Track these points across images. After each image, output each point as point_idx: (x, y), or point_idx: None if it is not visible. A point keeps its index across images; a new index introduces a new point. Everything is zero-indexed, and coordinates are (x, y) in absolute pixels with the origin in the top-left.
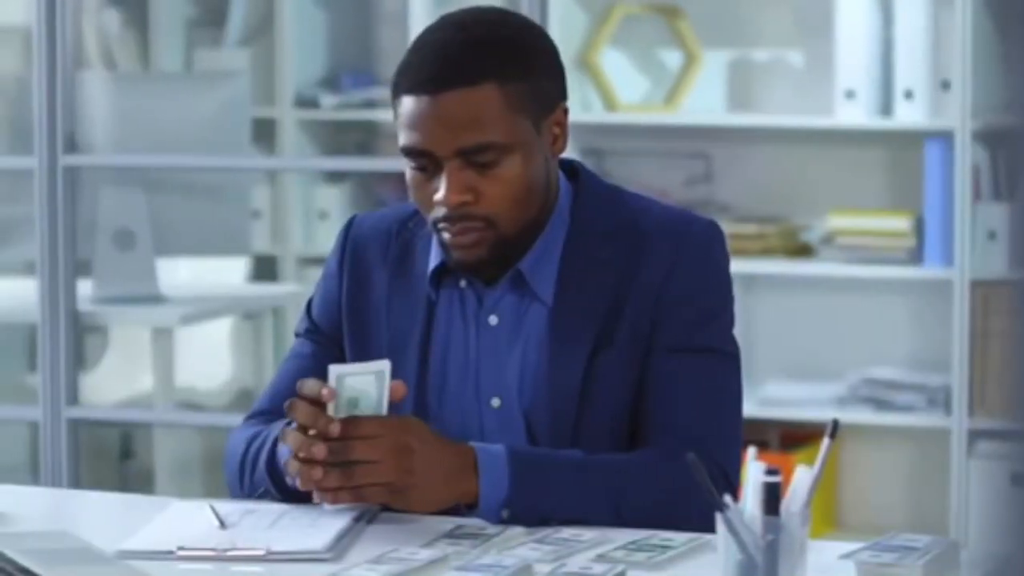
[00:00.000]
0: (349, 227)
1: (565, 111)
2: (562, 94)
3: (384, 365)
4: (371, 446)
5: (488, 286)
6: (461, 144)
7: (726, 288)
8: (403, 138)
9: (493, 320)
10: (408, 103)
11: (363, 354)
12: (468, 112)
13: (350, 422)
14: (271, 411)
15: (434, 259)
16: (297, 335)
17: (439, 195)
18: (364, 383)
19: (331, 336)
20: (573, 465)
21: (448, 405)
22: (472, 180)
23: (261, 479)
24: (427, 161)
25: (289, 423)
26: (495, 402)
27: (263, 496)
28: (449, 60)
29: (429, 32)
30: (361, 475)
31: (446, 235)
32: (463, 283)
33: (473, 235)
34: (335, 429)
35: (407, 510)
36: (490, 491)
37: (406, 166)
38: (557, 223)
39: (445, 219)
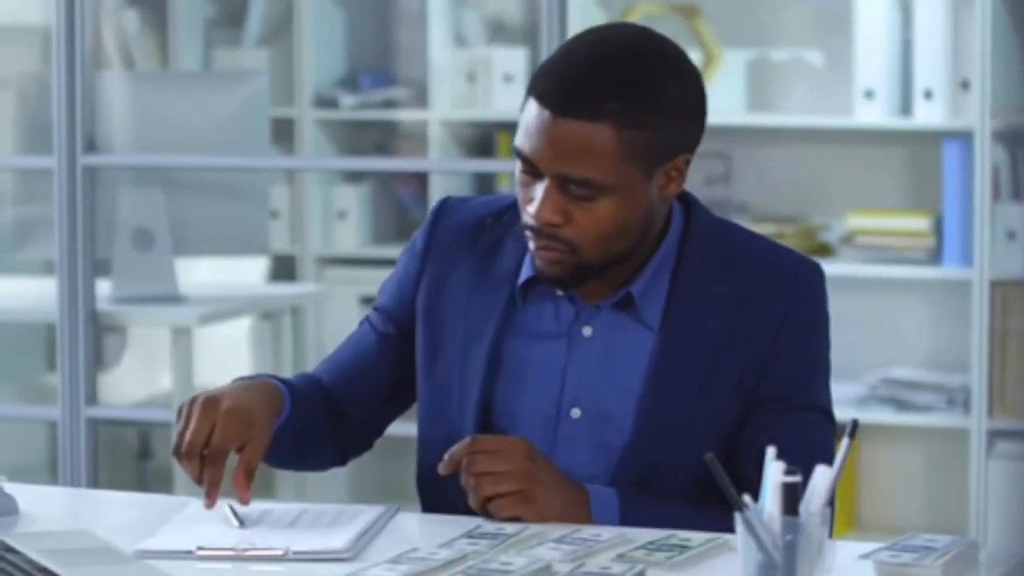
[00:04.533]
0: (440, 211)
1: (687, 162)
2: (687, 144)
3: None
4: (496, 459)
5: (589, 305)
6: (563, 171)
7: (828, 337)
8: (518, 138)
9: (587, 331)
10: (532, 108)
11: (434, 343)
12: (579, 145)
13: (473, 440)
14: (322, 381)
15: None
16: (375, 309)
17: (532, 207)
18: None
19: (397, 318)
20: (679, 513)
21: (524, 410)
22: (566, 204)
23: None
24: (531, 168)
25: None
26: (575, 413)
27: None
28: (576, 89)
29: (575, 41)
30: (489, 486)
31: (531, 244)
32: (560, 291)
33: (554, 254)
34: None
35: (534, 520)
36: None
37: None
38: (668, 251)
39: (531, 229)
